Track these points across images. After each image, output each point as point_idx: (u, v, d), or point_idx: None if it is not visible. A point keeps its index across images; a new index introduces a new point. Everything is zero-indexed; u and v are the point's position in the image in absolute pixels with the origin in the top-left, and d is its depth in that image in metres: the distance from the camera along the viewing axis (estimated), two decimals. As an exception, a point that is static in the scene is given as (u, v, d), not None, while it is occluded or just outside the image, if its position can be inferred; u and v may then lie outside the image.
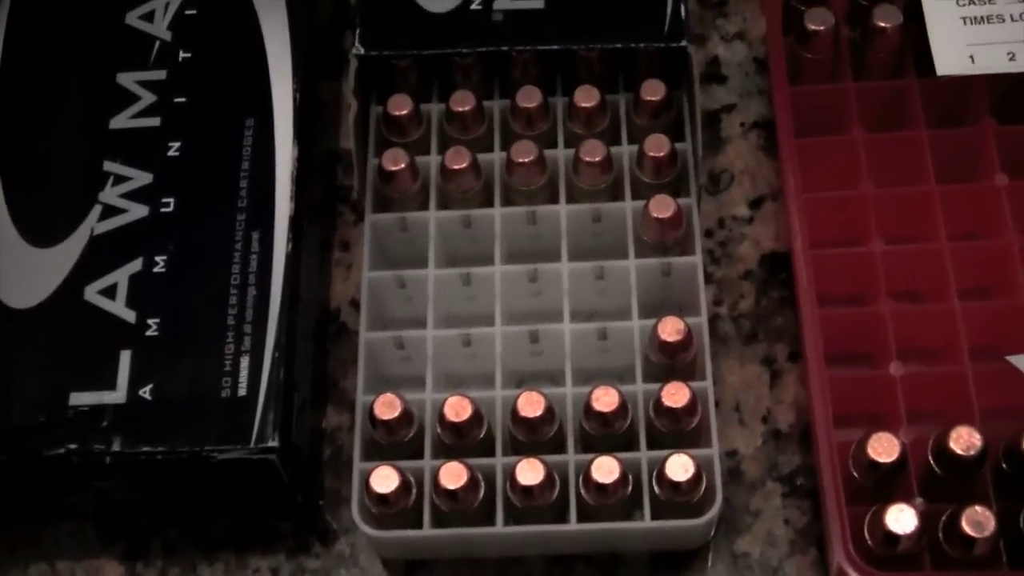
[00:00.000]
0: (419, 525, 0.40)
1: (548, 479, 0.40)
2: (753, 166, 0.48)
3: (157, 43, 0.46)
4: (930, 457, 0.40)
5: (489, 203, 0.45)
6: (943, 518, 0.39)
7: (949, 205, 0.43)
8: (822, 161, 0.44)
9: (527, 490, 0.39)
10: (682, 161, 0.44)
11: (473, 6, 0.44)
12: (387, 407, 0.40)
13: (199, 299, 0.42)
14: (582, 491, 0.40)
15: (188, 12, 0.46)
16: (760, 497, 0.43)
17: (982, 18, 0.44)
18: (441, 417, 0.41)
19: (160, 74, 0.45)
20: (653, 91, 0.44)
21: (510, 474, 0.40)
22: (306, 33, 0.45)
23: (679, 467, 0.39)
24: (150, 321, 0.41)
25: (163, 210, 0.43)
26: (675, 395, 0.40)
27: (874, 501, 0.39)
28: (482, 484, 0.40)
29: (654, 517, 0.40)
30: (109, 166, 0.44)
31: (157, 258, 0.42)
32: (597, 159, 0.43)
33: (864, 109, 0.45)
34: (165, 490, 0.42)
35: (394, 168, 0.44)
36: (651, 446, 0.41)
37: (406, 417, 0.41)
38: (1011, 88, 0.44)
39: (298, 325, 0.42)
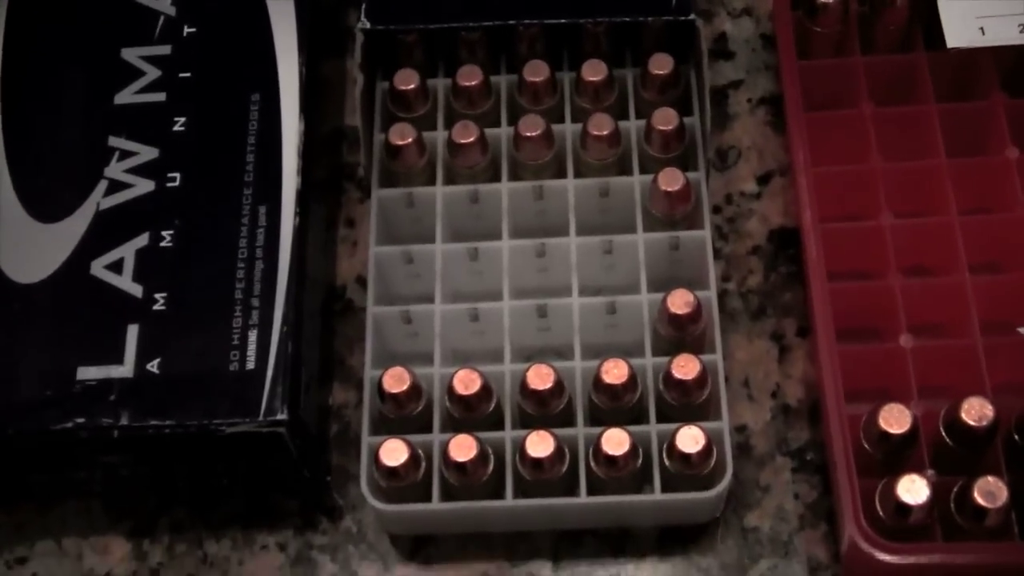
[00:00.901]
0: (428, 499, 0.41)
1: (558, 451, 0.41)
2: (761, 142, 0.49)
3: (161, 18, 0.47)
4: (941, 429, 0.41)
5: (496, 178, 0.46)
6: (955, 489, 0.40)
7: (959, 179, 0.45)
8: (831, 136, 0.45)
9: (537, 463, 0.40)
10: (690, 136, 0.46)
11: (481, -20, 0.45)
12: (396, 380, 0.41)
13: (206, 273, 0.43)
14: (592, 464, 0.41)
15: (192, -14, 0.47)
16: (769, 472, 0.44)
17: (992, -10, 0.45)
18: (450, 390, 0.42)
19: (165, 49, 0.46)
20: (661, 65, 0.46)
21: (520, 446, 0.41)
22: (312, 8, 0.47)
23: (689, 439, 0.40)
24: (157, 295, 0.42)
25: (169, 185, 0.44)
26: (685, 367, 0.41)
27: (885, 474, 0.40)
28: (491, 457, 0.41)
29: (664, 490, 0.41)
30: (114, 141, 0.45)
31: (164, 233, 0.43)
32: (605, 133, 0.45)
33: (873, 83, 0.46)
34: (173, 466, 0.43)
35: (401, 143, 0.45)
36: (660, 419, 0.42)
37: (415, 390, 0.42)
38: (1022, 61, 0.46)
39: (305, 301, 0.43)
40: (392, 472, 0.41)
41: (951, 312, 0.44)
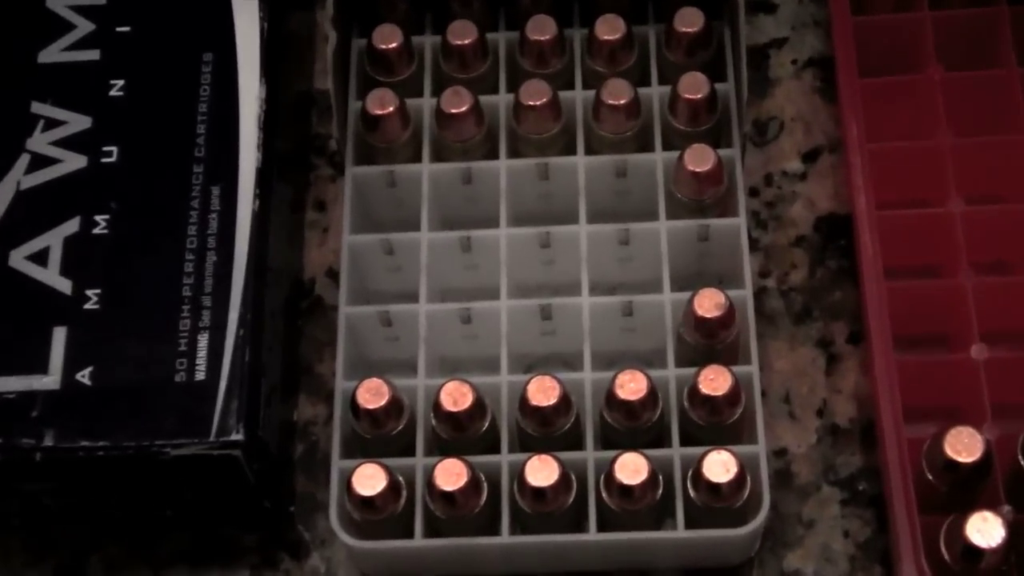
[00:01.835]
0: (410, 534, 0.41)
1: (563, 480, 0.40)
2: (807, 112, 0.49)
3: (95, -41, 0.47)
4: (1020, 456, 0.40)
5: (494, 155, 0.45)
6: (1035, 529, 0.39)
7: (1043, 158, 0.44)
8: (891, 105, 0.45)
9: (538, 492, 0.40)
10: (723, 105, 0.45)
11: (475, -81, 0.45)
12: (372, 394, 0.41)
13: (148, 266, 0.42)
14: (603, 494, 0.41)
15: (132, -77, 0.47)
16: (814, 504, 0.44)
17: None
18: (437, 406, 0.41)
19: (100, -2, 0.46)
20: (689, 21, 0.45)
21: (518, 474, 0.40)
22: (275, -48, 0.46)
23: (719, 466, 0.40)
24: (89, 292, 0.42)
25: (104, 160, 0.44)
26: (714, 381, 0.41)
27: (952, 509, 0.39)
28: (485, 486, 0.41)
29: (689, 526, 0.41)
30: (38, 108, 0.44)
31: (98, 217, 0.43)
32: (622, 102, 0.44)
33: (942, 42, 0.46)
34: (107, 495, 0.42)
35: (380, 112, 0.44)
36: (685, 442, 0.42)
37: (395, 406, 0.41)
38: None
39: (266, 298, 0.43)
40: (367, 502, 0.40)
41: (1031, 316, 0.43)
